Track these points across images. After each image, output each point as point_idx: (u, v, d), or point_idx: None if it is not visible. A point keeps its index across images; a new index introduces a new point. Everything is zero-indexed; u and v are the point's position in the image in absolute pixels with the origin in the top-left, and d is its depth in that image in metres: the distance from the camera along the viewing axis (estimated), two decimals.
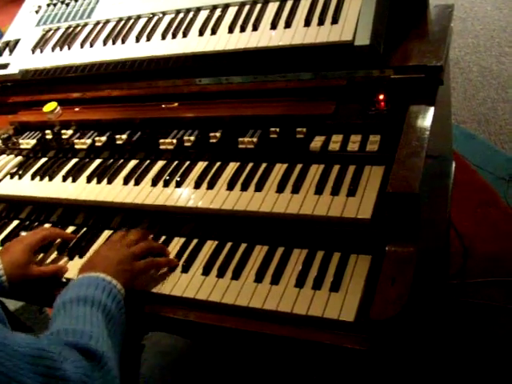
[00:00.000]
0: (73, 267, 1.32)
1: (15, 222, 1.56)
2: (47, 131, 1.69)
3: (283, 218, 1.20)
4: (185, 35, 1.54)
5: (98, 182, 1.46)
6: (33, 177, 1.57)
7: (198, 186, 1.33)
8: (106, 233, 1.40)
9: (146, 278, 1.21)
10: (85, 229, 1.44)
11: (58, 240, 1.41)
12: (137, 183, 1.41)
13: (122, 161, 1.51)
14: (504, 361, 1.84)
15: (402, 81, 1.29)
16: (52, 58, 1.74)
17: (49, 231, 1.39)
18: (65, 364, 0.84)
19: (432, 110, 1.22)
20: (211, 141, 1.42)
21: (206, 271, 1.20)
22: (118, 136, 1.55)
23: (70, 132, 1.65)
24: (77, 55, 1.69)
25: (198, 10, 1.60)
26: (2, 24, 3.21)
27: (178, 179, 1.37)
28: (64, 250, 1.39)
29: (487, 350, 1.89)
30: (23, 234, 1.47)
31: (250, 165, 1.34)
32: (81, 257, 1.35)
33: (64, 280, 1.30)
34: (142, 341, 1.41)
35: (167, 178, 1.38)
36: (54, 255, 1.38)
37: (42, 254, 1.38)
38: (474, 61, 3.29)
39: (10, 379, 0.75)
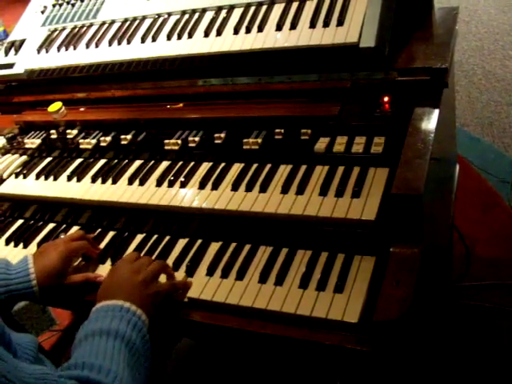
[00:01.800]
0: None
1: (20, 222, 1.57)
2: (52, 131, 1.70)
3: (288, 219, 1.20)
4: (190, 36, 1.55)
5: (103, 182, 1.46)
6: (37, 176, 1.58)
7: (202, 186, 1.34)
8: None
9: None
10: (89, 229, 1.44)
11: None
12: (141, 183, 1.41)
13: (126, 161, 1.52)
14: (505, 363, 1.84)
15: (406, 83, 1.29)
16: (57, 58, 1.74)
17: (85, 242, 1.32)
18: None
19: (437, 112, 1.22)
20: (216, 141, 1.42)
21: (210, 272, 1.21)
22: (122, 136, 1.55)
23: (74, 132, 1.66)
24: (82, 55, 1.70)
25: (204, 11, 1.61)
26: (7, 24, 3.22)
27: (183, 180, 1.37)
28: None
29: (489, 352, 1.88)
30: (62, 236, 1.42)
31: (255, 166, 1.35)
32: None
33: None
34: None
35: (172, 178, 1.39)
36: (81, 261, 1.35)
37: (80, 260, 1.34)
38: (478, 64, 3.29)
39: None
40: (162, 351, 1.37)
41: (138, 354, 0.97)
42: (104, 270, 1.31)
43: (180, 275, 1.22)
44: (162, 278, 1.19)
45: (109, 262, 1.32)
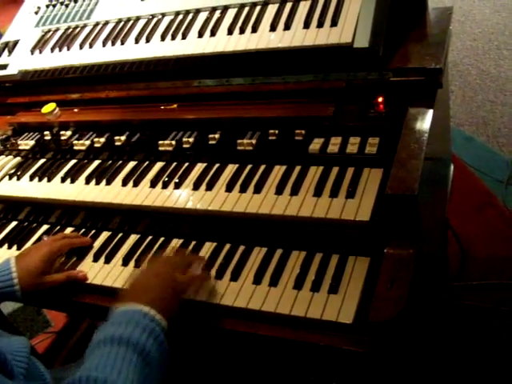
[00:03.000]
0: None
1: (14, 223, 1.56)
2: (46, 132, 1.69)
3: (282, 220, 1.20)
4: (184, 37, 1.54)
5: (97, 183, 1.46)
6: (31, 178, 1.57)
7: (196, 187, 1.33)
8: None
9: None
10: (83, 230, 1.44)
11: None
12: (135, 184, 1.41)
13: (120, 162, 1.51)
14: (502, 363, 1.84)
15: (401, 83, 1.29)
16: (51, 59, 1.73)
17: (68, 241, 1.35)
18: None
19: (431, 112, 1.22)
20: (210, 142, 1.42)
21: None
22: (116, 137, 1.55)
23: (68, 133, 1.65)
24: (76, 56, 1.69)
25: (198, 11, 1.60)
26: (1, 25, 3.21)
27: (177, 180, 1.37)
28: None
29: (485, 352, 1.89)
30: (45, 238, 1.45)
31: (249, 166, 1.35)
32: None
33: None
34: None
35: (166, 179, 1.38)
36: (70, 259, 1.36)
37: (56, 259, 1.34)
38: (473, 64, 3.29)
39: None
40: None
41: (152, 362, 0.93)
42: (88, 266, 1.32)
43: None
44: None
45: (102, 261, 1.33)
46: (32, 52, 1.79)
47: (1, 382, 0.81)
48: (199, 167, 1.40)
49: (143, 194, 1.37)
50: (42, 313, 2.53)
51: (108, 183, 1.44)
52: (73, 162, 1.59)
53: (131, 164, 1.49)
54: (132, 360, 0.89)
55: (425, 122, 1.20)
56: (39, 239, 1.47)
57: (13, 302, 1.34)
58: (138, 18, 1.69)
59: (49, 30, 1.84)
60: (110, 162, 1.53)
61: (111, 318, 0.97)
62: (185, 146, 1.44)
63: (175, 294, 1.06)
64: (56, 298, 1.29)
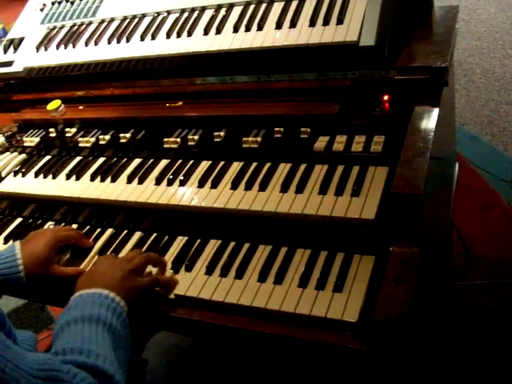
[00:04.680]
0: None
1: (18, 220, 1.56)
2: (51, 129, 1.69)
3: (287, 218, 1.20)
4: (190, 34, 1.54)
5: (102, 180, 1.46)
6: (36, 175, 1.57)
7: (201, 185, 1.33)
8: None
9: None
10: (87, 227, 1.44)
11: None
12: (140, 182, 1.41)
13: (125, 159, 1.51)
14: (505, 363, 1.84)
15: (406, 82, 1.29)
16: (56, 56, 1.74)
17: (74, 232, 1.37)
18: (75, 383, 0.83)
19: (436, 111, 1.22)
20: (215, 140, 1.42)
21: (209, 270, 1.20)
22: (121, 134, 1.55)
23: (73, 130, 1.65)
24: (81, 53, 1.69)
25: (203, 9, 1.60)
26: (6, 22, 3.21)
27: (182, 178, 1.37)
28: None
29: (489, 351, 1.88)
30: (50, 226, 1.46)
31: (254, 164, 1.35)
32: None
33: None
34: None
35: (171, 176, 1.38)
36: (75, 255, 1.36)
37: (60, 255, 1.35)
38: (478, 63, 3.29)
39: None
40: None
41: (119, 338, 0.99)
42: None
43: (180, 273, 1.22)
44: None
45: None
46: (37, 49, 1.79)
47: None
48: (204, 165, 1.40)
49: (148, 192, 1.37)
50: (45, 309, 2.53)
51: (113, 180, 1.45)
52: (78, 159, 1.59)
53: (136, 161, 1.49)
54: (104, 335, 0.96)
55: (430, 120, 1.20)
56: None
57: (14, 294, 1.34)
58: (143, 16, 1.70)
59: (54, 27, 1.84)
60: (115, 159, 1.53)
61: (73, 302, 1.03)
62: (190, 143, 1.45)
63: (134, 285, 1.11)
64: (57, 292, 1.29)
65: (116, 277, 1.10)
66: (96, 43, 1.69)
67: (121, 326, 1.01)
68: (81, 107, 1.73)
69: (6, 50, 1.86)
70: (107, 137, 1.57)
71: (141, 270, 1.17)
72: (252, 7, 1.53)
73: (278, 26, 1.43)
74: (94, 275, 1.13)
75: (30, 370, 0.79)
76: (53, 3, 1.91)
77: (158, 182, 1.39)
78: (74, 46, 1.72)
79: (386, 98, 1.29)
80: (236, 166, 1.36)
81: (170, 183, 1.37)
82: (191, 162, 1.42)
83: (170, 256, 1.28)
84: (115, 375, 0.89)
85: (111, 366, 0.90)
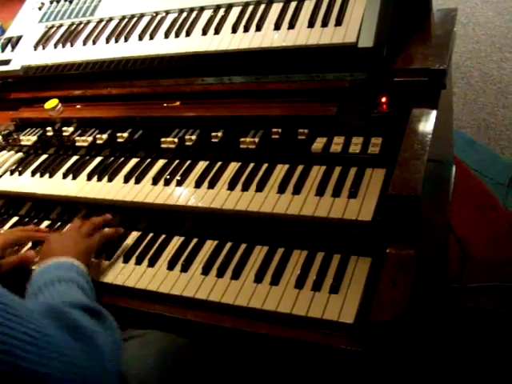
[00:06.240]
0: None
1: (14, 219, 1.56)
2: (48, 128, 1.69)
3: (284, 219, 1.20)
4: (188, 34, 1.54)
5: (99, 179, 1.46)
6: (33, 173, 1.57)
7: (198, 185, 1.33)
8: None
9: (146, 276, 1.22)
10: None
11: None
12: (137, 182, 1.41)
13: (122, 159, 1.51)
14: (501, 365, 1.84)
15: (404, 84, 1.29)
16: (54, 55, 1.73)
17: (26, 233, 1.40)
18: (76, 316, 0.93)
19: (434, 113, 1.22)
20: (213, 140, 1.42)
21: (206, 271, 1.20)
22: (119, 134, 1.55)
23: (70, 129, 1.65)
24: (79, 52, 1.69)
25: (202, 9, 1.60)
26: (4, 20, 3.20)
27: (179, 178, 1.36)
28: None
29: (486, 354, 1.88)
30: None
31: (252, 165, 1.34)
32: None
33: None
34: None
35: (168, 176, 1.38)
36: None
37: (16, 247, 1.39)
38: (475, 66, 3.29)
39: (39, 334, 0.83)
40: None
41: (88, 296, 1.10)
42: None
43: (175, 274, 1.21)
44: None
45: (103, 258, 1.32)
46: (35, 48, 1.79)
47: None
48: (201, 165, 1.40)
49: (145, 191, 1.37)
50: None
51: (110, 180, 1.44)
52: (75, 158, 1.58)
53: (133, 161, 1.49)
54: (78, 292, 1.08)
55: (428, 122, 1.20)
56: None
57: None
58: (141, 15, 1.69)
59: (52, 26, 1.84)
60: (112, 158, 1.53)
61: (40, 270, 1.13)
62: (187, 143, 1.44)
63: (87, 245, 1.26)
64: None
65: (71, 244, 1.24)
66: (94, 42, 1.68)
67: (87, 285, 1.14)
68: (78, 106, 1.73)
69: (3, 49, 1.86)
70: (104, 136, 1.56)
71: (89, 233, 1.29)
72: (251, 8, 1.53)
73: (277, 26, 1.43)
74: (52, 247, 1.24)
75: (39, 312, 0.89)
76: (51, 2, 1.91)
77: (155, 181, 1.39)
78: (71, 45, 1.72)
79: (384, 99, 1.29)
80: (233, 167, 1.36)
81: (167, 183, 1.37)
82: (188, 162, 1.42)
83: (166, 256, 1.27)
84: (103, 311, 1.02)
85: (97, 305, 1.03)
